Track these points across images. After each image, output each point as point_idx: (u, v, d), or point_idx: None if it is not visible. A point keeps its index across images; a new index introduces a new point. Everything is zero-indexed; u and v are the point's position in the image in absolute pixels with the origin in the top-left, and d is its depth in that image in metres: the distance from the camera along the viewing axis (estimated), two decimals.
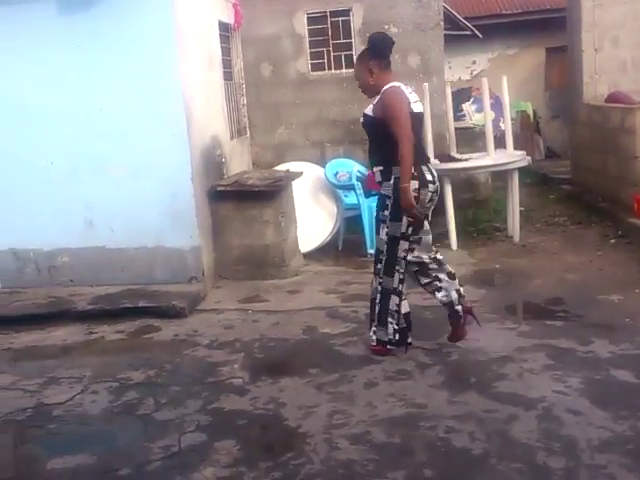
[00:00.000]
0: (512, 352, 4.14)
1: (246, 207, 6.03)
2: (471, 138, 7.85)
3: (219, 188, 6.04)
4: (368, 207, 6.54)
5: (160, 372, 4.27)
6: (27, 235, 5.93)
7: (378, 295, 4.19)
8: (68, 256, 5.95)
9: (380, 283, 4.17)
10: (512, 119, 7.89)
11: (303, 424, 3.47)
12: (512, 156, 6.80)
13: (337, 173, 6.90)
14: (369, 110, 4.11)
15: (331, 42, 7.45)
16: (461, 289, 4.26)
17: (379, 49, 4.07)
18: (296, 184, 6.51)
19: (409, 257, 4.12)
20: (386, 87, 3.99)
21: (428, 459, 3.07)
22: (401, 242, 4.06)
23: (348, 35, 7.41)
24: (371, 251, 6.52)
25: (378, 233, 4.16)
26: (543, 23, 11.99)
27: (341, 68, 7.48)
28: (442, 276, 4.23)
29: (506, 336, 4.44)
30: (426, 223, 4.17)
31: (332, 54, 7.48)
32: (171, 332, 4.97)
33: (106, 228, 5.85)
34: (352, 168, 6.95)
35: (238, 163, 7.07)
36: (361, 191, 6.61)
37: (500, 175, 7.33)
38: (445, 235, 6.79)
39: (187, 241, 5.79)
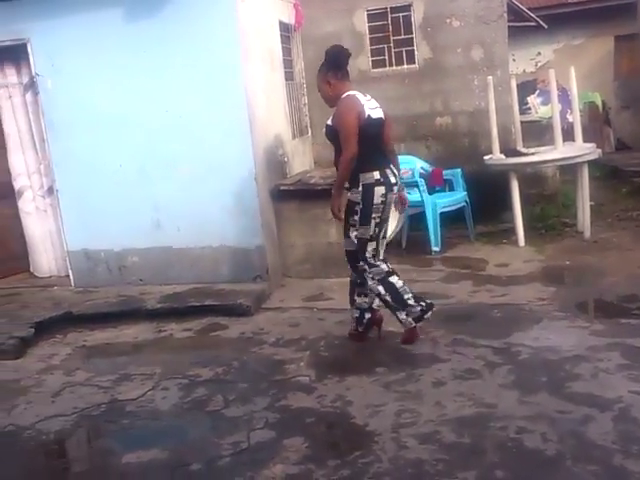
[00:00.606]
0: (585, 351, 4.02)
1: (309, 206, 6.04)
2: (537, 131, 7.65)
3: (282, 187, 6.08)
4: (432, 204, 6.47)
5: (228, 369, 4.33)
6: (98, 236, 6.12)
7: (379, 288, 4.29)
8: (137, 256, 6.10)
9: (373, 277, 4.30)
10: (580, 111, 7.66)
11: (370, 422, 3.46)
12: (581, 149, 6.60)
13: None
14: (330, 120, 4.25)
15: (392, 38, 7.39)
16: (376, 302, 4.44)
17: (334, 61, 4.24)
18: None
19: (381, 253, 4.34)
20: (342, 96, 4.15)
21: (499, 459, 3.01)
22: (369, 243, 4.25)
23: (409, 31, 7.34)
24: (436, 249, 6.49)
25: (348, 236, 4.34)
26: (611, 11, 11.59)
27: (402, 64, 7.41)
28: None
29: (578, 335, 4.31)
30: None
31: (393, 50, 7.42)
32: (237, 330, 5.03)
33: (173, 228, 5.98)
34: (415, 165, 6.89)
35: (300, 162, 7.11)
36: (424, 188, 6.54)
37: (569, 169, 7.13)
38: (511, 231, 6.66)
39: (251, 240, 5.85)
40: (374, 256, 4.27)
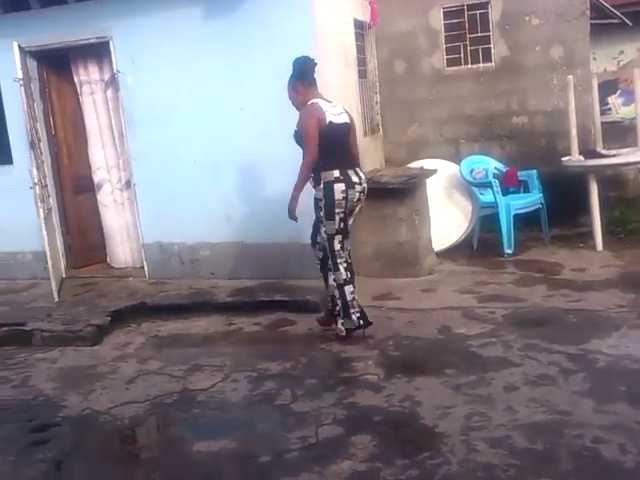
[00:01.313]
0: None
1: (380, 205, 6.00)
2: (618, 132, 7.37)
3: None
4: (505, 205, 6.34)
5: (296, 365, 4.36)
6: (172, 229, 6.27)
7: (336, 291, 4.61)
8: (209, 250, 6.22)
9: (334, 279, 4.61)
10: None
11: (440, 424, 3.41)
12: None
13: (473, 170, 6.73)
14: (296, 125, 4.55)
15: (468, 36, 7.27)
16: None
17: (300, 71, 4.55)
18: (430, 182, 6.42)
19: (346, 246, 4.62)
20: (307, 104, 4.47)
21: (574, 468, 2.92)
22: (335, 237, 4.53)
23: (486, 28, 7.20)
24: (508, 251, 6.35)
25: (318, 234, 4.67)
26: None
27: (478, 62, 7.27)
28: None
29: None
30: (351, 220, 4.66)
31: (469, 48, 7.29)
32: (306, 326, 5.05)
33: (244, 224, 6.06)
34: (489, 165, 6.76)
35: (371, 161, 7.07)
36: (498, 189, 6.40)
37: None
38: (589, 235, 6.45)
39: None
40: (341, 249, 4.57)
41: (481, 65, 7.27)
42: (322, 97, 4.56)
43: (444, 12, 7.31)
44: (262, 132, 5.84)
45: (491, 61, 7.24)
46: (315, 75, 4.59)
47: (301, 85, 4.55)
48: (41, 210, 5.90)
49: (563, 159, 6.55)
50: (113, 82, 6.32)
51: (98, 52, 6.34)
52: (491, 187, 6.43)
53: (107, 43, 6.14)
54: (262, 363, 4.40)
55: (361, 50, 7.02)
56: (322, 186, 4.47)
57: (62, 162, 6.78)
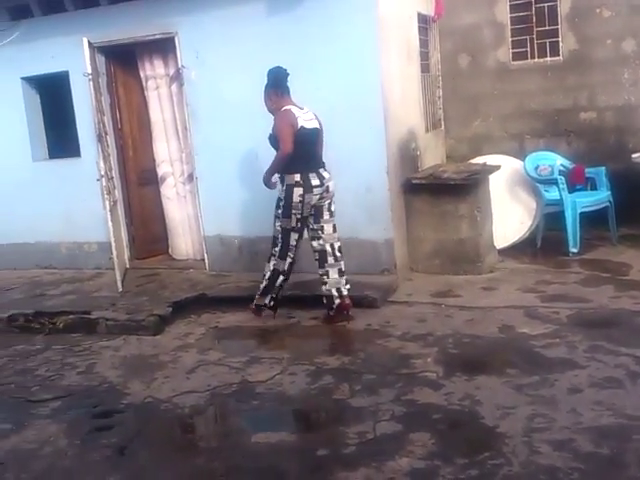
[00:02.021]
0: None
1: (441, 201, 5.94)
2: None
3: (414, 181, 6.02)
4: (572, 203, 6.16)
5: (354, 359, 4.35)
6: (233, 223, 6.35)
7: (269, 273, 5.12)
8: (269, 243, 6.23)
9: (274, 264, 5.07)
10: None
11: (501, 424, 3.35)
12: None
13: (538, 167, 6.57)
14: (271, 129, 4.98)
15: (535, 29, 7.09)
16: (343, 287, 5.06)
17: (274, 80, 5.00)
18: (493, 178, 6.29)
19: (314, 245, 5.05)
20: (280, 110, 4.89)
21: None
22: (292, 234, 4.96)
23: (554, 21, 7.00)
24: (574, 250, 6.18)
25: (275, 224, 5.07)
26: None
27: (545, 56, 7.08)
28: (332, 272, 5.05)
29: None
30: (327, 214, 5.03)
31: (535, 42, 7.11)
32: (364, 321, 5.04)
33: None
34: (555, 161, 6.59)
35: (432, 156, 7.00)
36: (564, 186, 6.23)
37: None
38: None
39: (381, 233, 5.83)
40: (295, 245, 5.00)
41: (548, 59, 7.08)
42: (294, 104, 4.96)
43: (510, 5, 7.15)
44: (324, 127, 5.81)
45: (559, 55, 7.04)
46: (288, 84, 5.02)
47: (274, 94, 4.99)
48: (107, 202, 6.06)
49: (633, 156, 6.33)
50: (177, 77, 6.43)
51: (163, 47, 6.46)
52: (557, 184, 6.26)
53: (172, 39, 6.25)
54: (320, 357, 4.41)
55: (424, 44, 6.94)
56: (284, 188, 4.90)
57: (127, 155, 6.95)
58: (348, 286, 5.11)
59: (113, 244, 6.12)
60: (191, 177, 6.63)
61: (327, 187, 4.97)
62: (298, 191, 4.85)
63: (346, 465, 3.12)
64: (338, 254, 5.08)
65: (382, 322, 4.98)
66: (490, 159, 6.69)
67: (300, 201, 4.86)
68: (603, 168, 6.55)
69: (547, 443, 3.12)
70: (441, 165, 6.85)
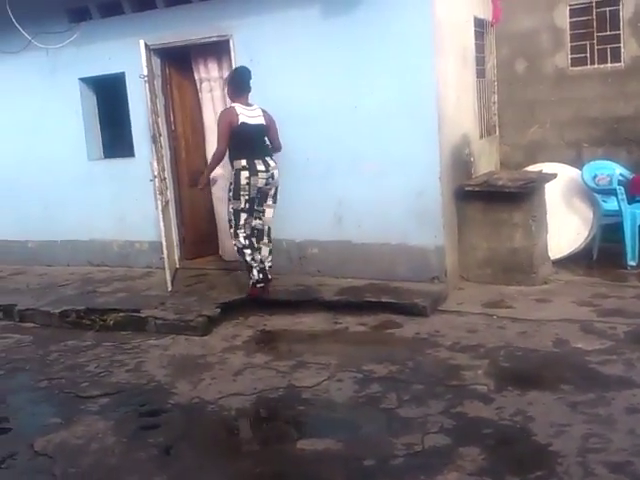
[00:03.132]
0: None
1: (494, 208, 5.81)
2: None
3: (467, 188, 5.90)
4: (631, 214, 5.96)
5: (402, 368, 4.28)
6: (281, 226, 6.29)
7: (237, 254, 5.72)
8: (317, 248, 6.23)
9: (234, 244, 5.65)
10: None
11: (554, 442, 3.24)
12: None
13: (596, 176, 6.38)
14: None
15: (595, 35, 6.89)
16: (267, 262, 5.75)
17: (231, 80, 5.69)
18: (549, 187, 6.13)
19: (254, 223, 5.66)
20: (226, 107, 5.68)
21: None
22: (241, 214, 5.52)
23: (616, 26, 6.78)
24: (632, 263, 5.98)
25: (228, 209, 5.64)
26: None
27: (606, 62, 6.87)
28: (264, 250, 5.77)
29: None
30: (270, 200, 5.68)
31: (596, 47, 6.91)
32: (412, 330, 4.96)
33: (354, 223, 6.03)
34: (613, 171, 6.39)
35: (486, 163, 6.87)
36: (623, 196, 6.03)
37: None
38: None
39: (431, 240, 5.74)
40: (245, 225, 5.55)
41: (609, 65, 6.87)
42: (244, 102, 5.55)
43: (570, 9, 6.97)
44: (376, 131, 5.79)
45: (620, 61, 6.83)
46: (251, 83, 5.60)
47: (231, 91, 5.63)
48: (159, 202, 6.12)
49: None
50: None
51: (218, 50, 6.50)
52: (615, 194, 6.06)
53: (227, 41, 6.27)
54: (368, 364, 4.35)
55: (480, 49, 6.82)
56: (233, 172, 5.50)
57: (180, 156, 7.01)
58: (271, 264, 5.81)
59: (164, 244, 6.18)
60: None
61: (272, 174, 5.54)
62: (245, 174, 5.41)
63: (393, 477, 3.06)
64: (272, 235, 5.84)
65: (431, 331, 4.90)
66: (546, 167, 6.53)
67: (247, 183, 5.43)
68: None
69: (603, 465, 3.00)
70: (495, 172, 6.71)
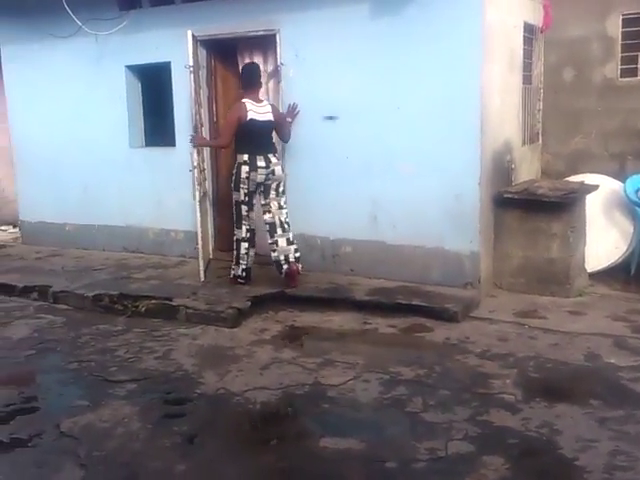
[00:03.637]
0: None
1: (533, 217, 5.73)
2: None
3: (506, 195, 5.83)
4: None
5: (430, 373, 4.25)
6: (317, 223, 6.33)
7: (234, 243, 5.96)
8: (351, 247, 6.22)
9: (235, 234, 5.92)
10: None
11: (580, 457, 3.19)
12: None
13: (638, 189, 6.24)
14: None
15: None
16: (291, 255, 5.86)
17: (241, 76, 6.03)
18: (590, 198, 6.03)
19: (265, 217, 5.89)
20: (238, 101, 5.85)
21: None
22: (242, 206, 5.83)
23: None
24: None
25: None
26: None
27: None
28: (281, 241, 5.86)
29: None
30: (273, 194, 5.87)
31: None
32: (442, 335, 4.92)
33: (389, 224, 6.00)
34: None
35: (526, 170, 6.77)
36: None
37: None
38: None
39: (466, 245, 5.69)
40: (247, 215, 5.84)
41: None
42: (255, 98, 5.79)
43: (623, 19, 6.82)
44: (417, 133, 5.75)
45: None
46: (261, 79, 6.01)
47: (242, 87, 5.91)
48: (197, 193, 6.17)
49: None
50: (276, 74, 6.47)
51: (264, 44, 6.51)
52: None
53: (274, 36, 6.28)
54: (395, 367, 4.33)
55: (528, 55, 6.72)
56: (236, 164, 5.77)
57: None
58: (297, 254, 5.91)
59: (199, 234, 6.23)
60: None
61: (273, 170, 5.78)
62: (245, 168, 5.71)
63: None
64: (286, 226, 5.91)
65: (462, 337, 4.85)
66: (588, 178, 6.41)
67: (247, 177, 5.71)
68: None
69: None
70: (536, 180, 6.61)
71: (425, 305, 5.36)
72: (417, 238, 5.87)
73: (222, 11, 6.47)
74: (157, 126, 7.58)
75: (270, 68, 6.59)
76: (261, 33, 6.33)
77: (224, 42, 6.64)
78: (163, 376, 4.36)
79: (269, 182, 5.81)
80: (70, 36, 7.21)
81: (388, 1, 5.74)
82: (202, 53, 6.73)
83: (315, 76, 6.12)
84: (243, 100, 5.76)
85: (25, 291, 6.29)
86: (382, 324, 5.17)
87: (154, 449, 3.43)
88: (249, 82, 5.85)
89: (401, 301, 5.47)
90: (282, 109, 6.39)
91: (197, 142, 6.04)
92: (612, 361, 4.33)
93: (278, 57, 6.30)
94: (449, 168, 5.65)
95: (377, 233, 6.07)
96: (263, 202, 5.88)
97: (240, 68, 6.23)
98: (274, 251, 5.87)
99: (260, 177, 5.74)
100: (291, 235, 5.92)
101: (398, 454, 3.26)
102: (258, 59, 6.65)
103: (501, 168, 6.05)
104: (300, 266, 5.92)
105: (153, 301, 5.65)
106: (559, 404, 3.75)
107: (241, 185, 5.75)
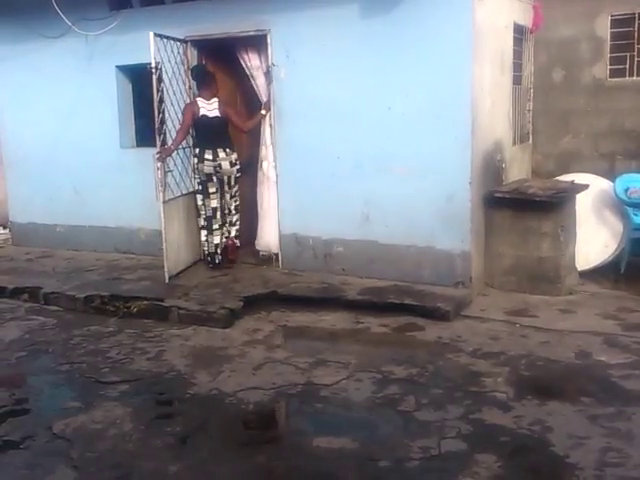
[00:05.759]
0: None
1: (523, 216, 5.76)
2: None
3: (497, 194, 5.85)
4: None
5: (422, 372, 4.26)
6: (309, 223, 6.34)
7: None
8: (343, 246, 6.23)
9: (197, 223, 6.55)
10: None
11: (572, 454, 3.22)
12: None
13: (628, 189, 6.28)
14: None
15: (636, 46, 6.78)
16: (233, 233, 6.64)
17: (194, 77, 6.46)
18: (580, 197, 6.06)
19: (213, 204, 6.40)
20: (191, 100, 6.48)
21: None
22: (197, 195, 6.48)
23: None
24: None
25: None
26: None
27: None
28: (232, 228, 6.62)
29: None
30: (226, 187, 6.44)
31: (636, 59, 6.80)
32: (434, 334, 4.94)
33: (381, 224, 6.01)
34: None
35: (517, 170, 6.80)
36: None
37: None
38: None
39: (458, 245, 5.71)
40: (202, 205, 6.43)
41: None
42: (205, 96, 6.28)
43: (612, 20, 6.86)
44: (408, 133, 5.76)
45: None
46: (209, 78, 6.35)
47: (197, 86, 6.41)
48: (161, 194, 6.07)
49: None
50: (267, 74, 6.47)
51: (255, 44, 6.47)
52: None
53: (265, 36, 6.28)
54: (387, 366, 4.34)
55: (518, 55, 6.75)
56: (195, 157, 6.39)
57: None
58: (237, 233, 6.64)
59: (164, 235, 6.18)
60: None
61: (220, 164, 6.27)
62: (194, 160, 6.38)
63: (407, 479, 3.05)
64: (234, 211, 6.58)
65: (453, 336, 4.87)
66: (578, 177, 6.44)
67: (196, 168, 6.35)
68: None
69: (620, 479, 2.96)
70: (527, 180, 6.65)
71: (417, 304, 5.38)
72: (409, 237, 5.89)
73: (213, 11, 6.47)
74: (148, 126, 7.55)
75: (264, 67, 6.57)
76: (252, 33, 6.31)
77: (215, 42, 6.62)
78: (155, 377, 4.36)
79: (219, 175, 6.34)
80: (60, 36, 7.20)
81: (378, 2, 5.75)
82: (193, 53, 6.71)
83: (306, 76, 6.13)
84: (197, 99, 6.32)
85: (16, 292, 6.27)
86: (374, 323, 5.19)
87: (147, 450, 3.43)
88: (197, 82, 6.38)
89: (393, 300, 5.49)
90: (273, 110, 6.41)
91: (165, 154, 6.09)
92: (602, 359, 4.36)
93: (270, 57, 6.30)
94: (440, 168, 5.67)
95: (369, 233, 6.08)
96: (220, 192, 6.44)
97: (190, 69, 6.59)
98: (215, 236, 6.47)
99: (207, 169, 6.26)
100: (235, 218, 6.61)
101: (391, 453, 3.27)
102: (251, 59, 6.63)
103: (492, 168, 6.08)
104: (237, 242, 6.63)
105: (145, 302, 5.65)
106: (550, 402, 3.78)
107: (195, 175, 6.41)
